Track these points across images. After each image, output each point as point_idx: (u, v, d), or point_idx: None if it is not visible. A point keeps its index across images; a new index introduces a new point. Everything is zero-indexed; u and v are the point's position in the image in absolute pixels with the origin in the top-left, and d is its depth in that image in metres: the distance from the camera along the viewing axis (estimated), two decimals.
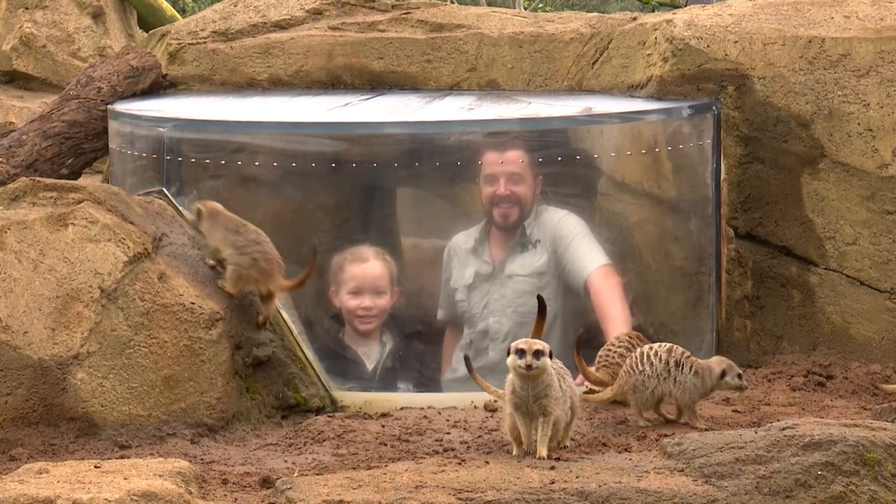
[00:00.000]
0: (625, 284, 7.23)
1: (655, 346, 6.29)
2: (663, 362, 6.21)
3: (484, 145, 7.23)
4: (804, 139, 7.40)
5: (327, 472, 5.71)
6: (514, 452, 5.71)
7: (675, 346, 6.27)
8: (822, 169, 7.39)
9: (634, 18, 8.09)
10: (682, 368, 6.20)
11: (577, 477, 5.31)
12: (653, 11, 12.14)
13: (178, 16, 13.21)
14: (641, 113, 7.43)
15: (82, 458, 6.05)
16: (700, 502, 5.18)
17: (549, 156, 7.30)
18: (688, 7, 8.37)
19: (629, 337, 6.66)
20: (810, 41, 7.44)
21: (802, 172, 7.42)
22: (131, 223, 6.70)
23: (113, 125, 7.84)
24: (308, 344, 6.99)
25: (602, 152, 7.40)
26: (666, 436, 5.78)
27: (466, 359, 6.17)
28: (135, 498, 5.04)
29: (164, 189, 7.15)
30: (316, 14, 8.33)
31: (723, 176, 7.47)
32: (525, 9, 19.70)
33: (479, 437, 6.24)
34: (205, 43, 8.25)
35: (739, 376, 6.26)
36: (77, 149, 8.01)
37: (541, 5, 22.95)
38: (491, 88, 8.01)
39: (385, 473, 5.41)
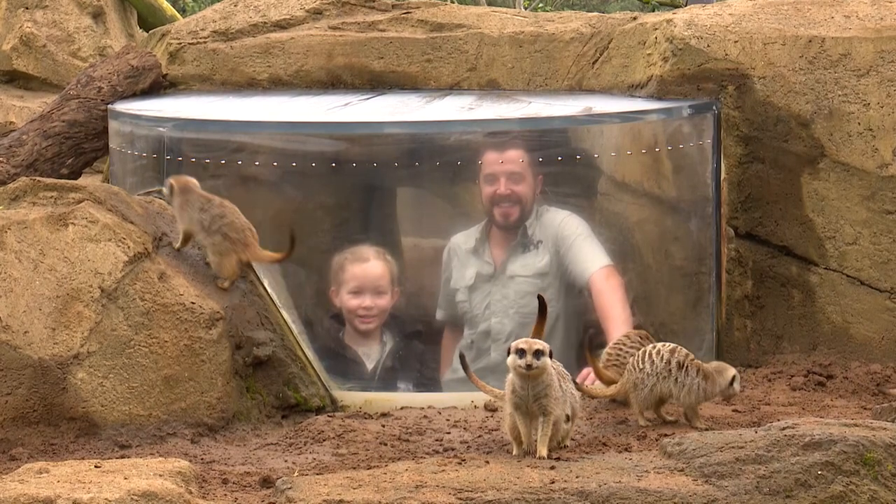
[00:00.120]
0: (625, 284, 7.23)
1: (659, 345, 6.29)
2: (664, 361, 6.21)
3: (484, 145, 7.23)
4: (804, 139, 7.40)
5: (327, 472, 5.72)
6: (514, 452, 5.72)
7: (678, 347, 6.27)
8: (823, 169, 7.39)
9: (634, 18, 8.10)
10: (687, 370, 6.20)
11: (577, 477, 5.31)
12: (653, 11, 12.13)
13: (178, 16, 13.21)
14: (641, 113, 7.44)
15: (82, 458, 6.05)
16: (700, 502, 5.18)
17: (549, 155, 7.30)
18: (688, 7, 8.37)
19: (640, 336, 6.66)
20: (810, 41, 7.44)
21: (802, 172, 7.42)
22: (131, 223, 6.70)
23: (113, 125, 7.84)
24: (308, 344, 7.00)
25: (602, 152, 7.40)
26: (666, 436, 5.78)
27: (462, 357, 6.17)
28: (135, 498, 5.04)
29: (164, 189, 7.15)
30: (316, 14, 8.34)
31: (723, 176, 7.47)
32: (525, 8, 19.71)
33: (480, 436, 6.24)
34: (205, 43, 8.25)
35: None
36: (77, 148, 8.02)
37: (541, 5, 22.95)
38: (491, 88, 8.01)
39: (385, 473, 5.41)
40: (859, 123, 7.35)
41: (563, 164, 7.29)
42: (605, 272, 7.21)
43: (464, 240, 7.35)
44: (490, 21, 8.21)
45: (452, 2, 15.52)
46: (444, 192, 7.47)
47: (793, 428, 5.44)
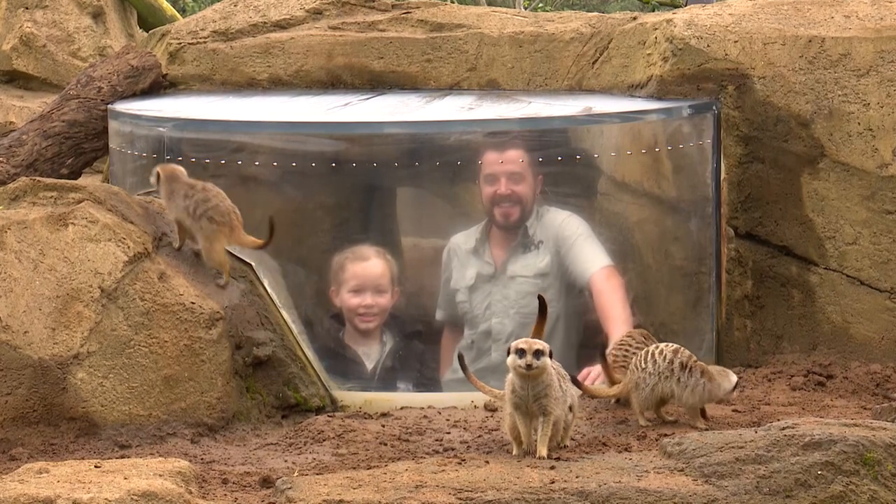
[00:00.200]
0: (625, 284, 7.23)
1: (662, 345, 6.29)
2: (667, 362, 6.21)
3: (484, 145, 7.23)
4: (804, 139, 7.40)
5: (327, 472, 5.72)
6: (514, 452, 5.72)
7: (681, 348, 6.28)
8: (822, 169, 7.39)
9: (634, 18, 8.09)
10: (691, 371, 6.20)
11: (577, 477, 5.31)
12: (653, 11, 12.13)
13: (178, 16, 13.21)
14: (641, 113, 7.44)
15: (82, 458, 6.05)
16: (700, 502, 5.18)
17: (549, 155, 7.30)
18: (688, 7, 8.37)
19: (643, 336, 6.66)
20: (810, 41, 7.44)
21: (802, 172, 7.42)
22: (131, 223, 6.70)
23: (113, 125, 7.84)
24: (308, 344, 7.00)
25: (602, 152, 7.40)
26: (666, 435, 5.79)
27: (460, 358, 6.17)
28: (135, 498, 5.04)
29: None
30: (316, 14, 8.34)
31: (723, 176, 7.47)
32: (525, 8, 19.71)
33: (479, 436, 6.24)
34: (205, 43, 8.25)
35: None
36: (77, 148, 8.02)
37: (541, 5, 22.95)
38: (491, 88, 8.01)
39: (385, 473, 5.41)
40: (859, 123, 7.35)
41: (563, 164, 7.29)
42: (606, 272, 7.21)
43: (464, 240, 7.34)
44: (490, 21, 8.21)
45: (452, 2, 15.53)
46: (444, 192, 7.47)
47: (793, 428, 5.44)
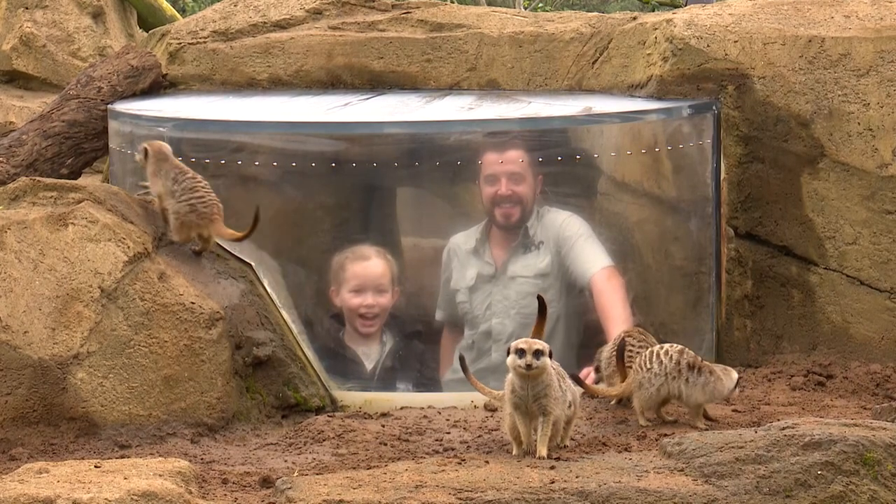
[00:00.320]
0: (626, 284, 7.23)
1: (666, 346, 6.30)
2: (674, 362, 6.22)
3: (484, 145, 7.23)
4: (804, 139, 7.40)
5: (327, 472, 5.72)
6: (514, 452, 5.72)
7: (685, 348, 6.29)
8: (822, 168, 7.39)
9: (634, 18, 8.09)
10: (700, 371, 6.21)
11: (577, 477, 5.31)
12: (653, 11, 12.13)
13: (178, 16, 13.21)
14: (641, 113, 7.44)
15: (82, 458, 6.05)
16: (700, 502, 5.18)
17: (549, 155, 7.30)
18: (688, 7, 8.37)
19: (642, 335, 6.66)
20: (810, 41, 7.44)
21: (802, 172, 7.42)
22: (131, 223, 6.70)
23: (113, 125, 7.84)
24: (308, 344, 7.00)
25: (602, 152, 7.40)
26: (666, 435, 5.79)
27: (461, 359, 6.17)
28: (135, 498, 5.04)
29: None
30: (316, 14, 8.33)
31: (723, 176, 7.47)
32: (525, 8, 19.71)
33: (479, 436, 6.24)
34: (205, 43, 8.25)
35: None
36: (77, 148, 8.01)
37: (541, 5, 22.95)
38: (491, 88, 8.01)
39: (385, 473, 5.41)
40: (859, 123, 7.35)
41: (563, 164, 7.29)
42: (607, 272, 7.21)
43: (464, 240, 7.34)
44: (490, 21, 8.21)
45: (452, 2, 15.52)
46: (444, 192, 7.47)
47: (793, 428, 5.44)
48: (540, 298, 6.30)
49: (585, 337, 6.97)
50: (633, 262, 7.39)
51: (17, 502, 5.01)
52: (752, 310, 7.50)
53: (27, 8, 12.06)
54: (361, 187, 7.31)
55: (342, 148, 7.25)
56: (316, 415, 6.71)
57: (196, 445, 6.33)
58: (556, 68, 8.02)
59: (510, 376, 5.69)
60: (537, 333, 6.17)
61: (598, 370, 6.71)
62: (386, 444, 6.20)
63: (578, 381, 6.37)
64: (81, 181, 7.28)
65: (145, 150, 6.94)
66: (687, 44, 7.48)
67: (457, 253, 7.33)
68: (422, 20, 8.20)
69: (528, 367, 5.59)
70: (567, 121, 7.35)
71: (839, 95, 7.37)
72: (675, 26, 7.53)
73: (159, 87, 8.24)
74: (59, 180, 7.09)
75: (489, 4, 19.40)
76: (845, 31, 7.45)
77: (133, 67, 8.19)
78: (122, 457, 6.06)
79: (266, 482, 5.62)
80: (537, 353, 5.61)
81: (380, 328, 7.19)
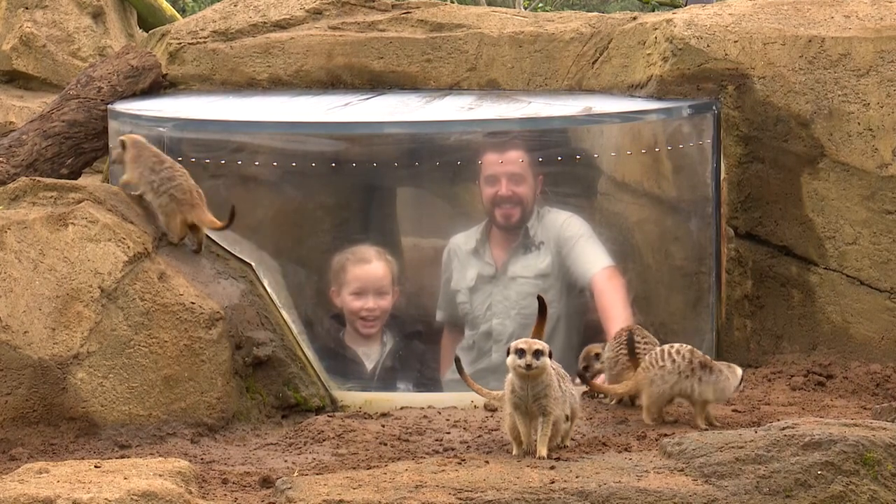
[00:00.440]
0: (626, 285, 7.23)
1: (676, 345, 6.30)
2: (686, 361, 6.23)
3: (484, 145, 7.23)
4: (804, 139, 7.40)
5: (327, 472, 5.72)
6: (514, 452, 5.72)
7: (694, 348, 6.31)
8: (822, 168, 7.39)
9: (634, 18, 8.09)
10: (711, 369, 6.23)
11: (577, 477, 5.31)
12: (653, 11, 12.13)
13: (178, 16, 13.20)
14: (641, 113, 7.43)
15: (82, 458, 6.05)
16: (700, 502, 5.18)
17: (549, 155, 7.30)
18: (688, 7, 8.37)
19: (641, 333, 6.67)
20: (810, 41, 7.44)
21: (802, 172, 7.42)
22: (131, 223, 6.70)
23: (113, 125, 7.84)
24: (308, 344, 7.00)
25: (602, 152, 7.40)
26: (666, 435, 5.79)
27: (457, 360, 6.17)
28: (135, 498, 5.04)
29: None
30: (316, 14, 8.33)
31: (723, 176, 7.47)
32: (525, 8, 19.70)
33: (479, 436, 6.24)
34: (205, 43, 8.25)
35: None
36: (77, 148, 8.01)
37: (541, 5, 22.95)
38: (491, 88, 8.01)
39: (385, 473, 5.41)
40: (859, 123, 7.35)
41: (563, 164, 7.29)
42: (608, 273, 7.21)
43: (464, 240, 7.34)
44: (490, 21, 8.20)
45: (452, 2, 15.52)
46: (444, 192, 7.47)
47: (793, 428, 5.44)
48: (540, 299, 6.30)
49: (586, 337, 6.97)
50: (634, 262, 7.39)
51: (17, 502, 5.01)
52: (752, 310, 7.50)
53: (27, 8, 12.06)
54: (361, 187, 7.31)
55: (342, 148, 7.25)
56: (316, 415, 6.71)
57: (196, 445, 6.33)
58: (556, 68, 8.02)
59: (510, 376, 5.69)
60: (537, 334, 6.17)
61: (586, 369, 6.68)
62: (386, 444, 6.20)
63: (584, 381, 6.39)
64: (81, 181, 7.28)
65: (122, 142, 7.01)
66: (687, 44, 7.48)
67: (457, 253, 7.33)
68: (422, 20, 8.20)
69: (528, 367, 5.59)
70: (567, 121, 7.35)
71: (839, 95, 7.36)
72: (675, 26, 7.53)
73: (159, 87, 8.24)
74: (59, 180, 7.09)
75: (489, 4, 19.40)
76: (845, 31, 7.45)
77: (133, 67, 8.19)
78: (122, 457, 6.06)
79: (266, 482, 5.62)
80: (537, 354, 5.61)
81: (380, 327, 7.19)
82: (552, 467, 5.44)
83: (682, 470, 5.35)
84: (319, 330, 7.16)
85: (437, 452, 6.05)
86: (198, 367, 6.53)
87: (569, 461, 5.54)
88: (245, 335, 6.73)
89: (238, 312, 6.74)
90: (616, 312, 7.10)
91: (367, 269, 7.16)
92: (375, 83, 8.12)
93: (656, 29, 7.63)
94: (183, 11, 20.30)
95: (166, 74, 8.25)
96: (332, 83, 8.14)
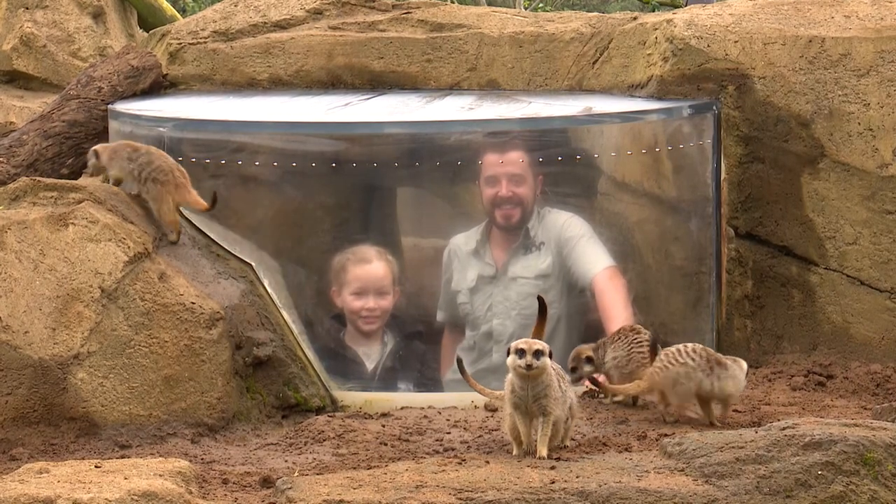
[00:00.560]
0: (626, 285, 7.23)
1: (689, 344, 6.32)
2: (703, 359, 6.24)
3: (484, 145, 7.23)
4: (804, 139, 7.40)
5: (327, 472, 5.72)
6: (514, 452, 5.72)
7: (705, 346, 6.33)
8: (823, 169, 7.39)
9: (635, 18, 8.10)
10: (724, 365, 6.25)
11: (577, 477, 5.31)
12: (653, 11, 12.13)
13: (178, 16, 13.20)
14: (641, 113, 7.44)
15: (83, 458, 6.05)
16: (700, 502, 5.18)
17: (550, 156, 7.30)
18: (688, 7, 8.37)
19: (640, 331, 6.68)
20: (810, 41, 7.44)
21: (803, 172, 7.42)
22: (132, 223, 6.71)
23: (113, 125, 7.84)
24: (308, 344, 7.00)
25: (602, 152, 7.40)
26: (666, 436, 5.79)
27: (459, 361, 6.17)
28: (135, 498, 5.04)
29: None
30: (316, 14, 8.33)
31: (723, 176, 7.47)
32: (525, 8, 19.70)
33: (480, 436, 6.24)
34: (205, 43, 8.25)
35: None
36: (77, 148, 8.00)
37: (541, 5, 22.95)
38: (491, 88, 8.01)
39: (385, 473, 5.41)
40: (859, 123, 7.35)
41: (563, 165, 7.29)
42: (609, 273, 7.21)
43: (464, 241, 7.34)
44: (490, 21, 8.20)
45: (452, 2, 15.52)
46: (444, 192, 7.47)
47: (793, 428, 5.44)
48: (540, 299, 6.30)
49: (586, 337, 6.96)
50: (634, 263, 7.39)
51: (18, 502, 5.01)
52: (752, 310, 7.50)
53: (27, 8, 12.05)
54: (362, 187, 7.31)
55: (342, 148, 7.25)
56: (316, 415, 6.71)
57: (196, 445, 6.33)
58: (557, 68, 8.02)
59: (510, 376, 5.69)
60: (538, 334, 6.18)
61: (574, 370, 6.67)
62: (386, 444, 6.20)
63: (595, 383, 6.38)
64: (82, 181, 7.28)
65: (94, 151, 7.07)
66: (687, 44, 7.48)
67: (457, 254, 7.33)
68: (422, 20, 8.20)
69: (529, 367, 5.59)
70: (567, 121, 7.35)
71: (839, 95, 7.37)
72: (675, 26, 7.53)
73: (159, 87, 8.24)
74: (60, 180, 7.09)
75: (489, 4, 19.40)
76: (845, 31, 7.45)
77: (133, 67, 8.19)
78: (122, 457, 6.07)
79: (266, 482, 5.62)
80: (537, 354, 5.61)
81: (381, 327, 7.19)
82: (552, 467, 5.44)
83: (682, 470, 5.35)
84: (320, 330, 7.16)
85: (437, 452, 6.05)
86: (198, 368, 6.53)
87: (569, 461, 5.55)
88: (245, 335, 6.73)
89: (238, 312, 6.74)
90: (617, 312, 7.10)
91: (367, 269, 7.16)
92: (376, 83, 8.12)
93: (656, 29, 7.64)
94: (183, 11, 20.30)
95: (167, 74, 8.25)
96: (332, 83, 8.14)
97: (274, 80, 8.16)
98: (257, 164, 7.26)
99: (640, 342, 6.58)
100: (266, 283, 6.98)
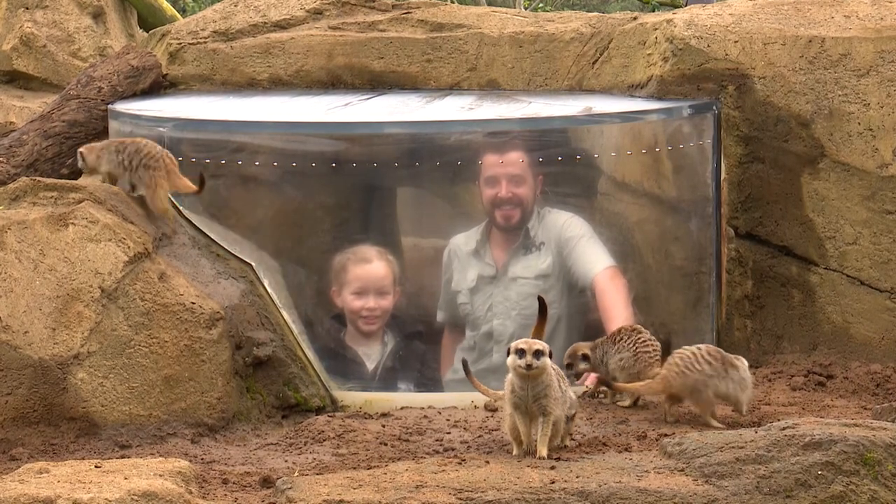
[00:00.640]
0: (627, 284, 7.23)
1: (702, 347, 6.32)
2: (718, 362, 6.25)
3: (484, 145, 7.23)
4: (804, 139, 7.40)
5: (327, 472, 5.72)
6: (514, 452, 5.72)
7: (717, 348, 6.34)
8: (823, 169, 7.39)
9: (635, 18, 8.09)
10: (737, 367, 6.26)
11: (577, 477, 5.31)
12: (653, 11, 12.13)
13: (178, 16, 13.19)
14: (641, 113, 7.44)
15: (83, 458, 6.05)
16: (700, 502, 5.18)
17: (550, 156, 7.30)
18: (688, 7, 8.37)
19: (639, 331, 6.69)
20: (810, 41, 7.44)
21: (803, 172, 7.42)
22: (131, 223, 6.70)
23: (113, 125, 7.84)
24: (308, 344, 7.00)
25: (602, 152, 7.40)
26: (666, 436, 5.79)
27: (464, 362, 6.17)
28: (135, 498, 5.04)
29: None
30: (316, 14, 8.33)
31: (723, 176, 7.47)
32: (525, 8, 19.70)
33: (480, 436, 6.24)
34: (205, 43, 8.25)
35: None
36: (77, 149, 8.01)
37: (541, 5, 22.95)
38: (491, 88, 8.01)
39: (385, 473, 5.41)
40: (859, 123, 7.35)
41: (563, 165, 7.29)
42: (610, 273, 7.21)
43: (464, 241, 7.34)
44: (490, 21, 8.20)
45: (452, 2, 15.52)
46: (444, 192, 7.47)
47: (793, 428, 5.44)
48: (540, 299, 6.30)
49: (586, 337, 6.96)
50: (634, 263, 7.39)
51: (18, 502, 5.01)
52: (752, 310, 7.50)
53: (27, 8, 12.05)
54: (362, 187, 7.31)
55: (342, 148, 7.25)
56: (316, 415, 6.71)
57: (196, 445, 6.33)
58: (557, 68, 8.02)
59: (510, 376, 5.69)
60: (538, 334, 6.18)
61: (569, 367, 6.67)
62: (386, 444, 6.20)
63: (606, 384, 6.38)
64: (82, 181, 7.28)
65: (81, 153, 7.10)
66: (687, 44, 7.48)
67: (457, 254, 7.33)
68: (422, 20, 8.20)
69: (529, 367, 5.59)
70: (567, 121, 7.35)
71: (839, 95, 7.37)
72: (675, 26, 7.53)
73: (159, 87, 8.24)
74: (60, 180, 7.09)
75: (489, 4, 19.40)
76: (845, 31, 7.45)
77: (133, 67, 8.19)
78: (122, 457, 6.07)
79: (266, 482, 5.62)
80: (537, 354, 5.61)
81: (381, 327, 7.19)
82: (552, 467, 5.44)
83: (682, 470, 5.35)
84: (320, 330, 7.16)
85: (437, 452, 6.05)
86: (198, 368, 6.53)
87: (569, 461, 5.55)
88: (245, 335, 6.73)
89: (238, 312, 6.74)
90: (618, 312, 7.10)
91: (368, 269, 7.16)
92: (375, 83, 8.12)
93: (656, 29, 7.64)
94: (183, 11, 20.30)
95: (166, 74, 8.25)
96: (332, 83, 8.14)
97: (274, 80, 8.16)
98: (257, 164, 7.26)
99: (645, 342, 6.58)
100: (266, 283, 6.98)
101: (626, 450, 5.87)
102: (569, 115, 7.37)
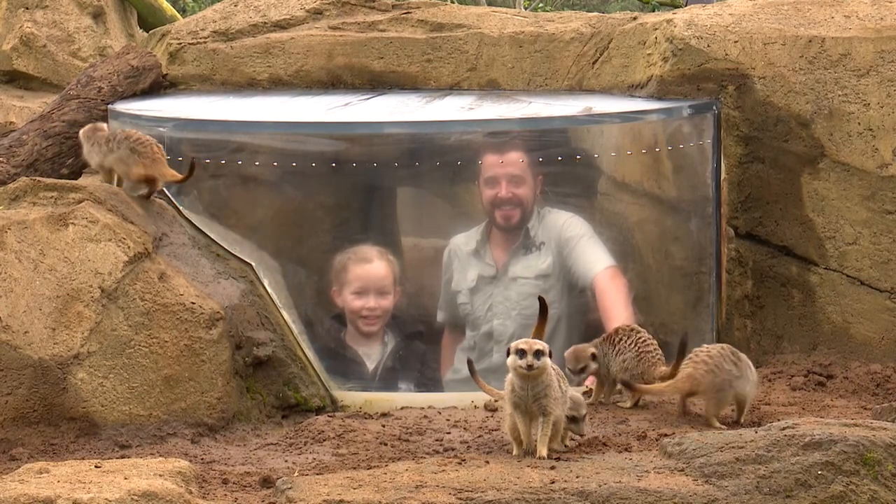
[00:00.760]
0: (627, 284, 7.23)
1: (725, 346, 6.33)
2: (741, 362, 6.28)
3: (484, 145, 7.23)
4: (804, 139, 7.40)
5: (327, 472, 5.72)
6: (514, 452, 5.72)
7: (731, 346, 6.36)
8: (823, 168, 7.39)
9: (635, 18, 8.10)
10: (750, 366, 6.27)
11: (577, 477, 5.31)
12: (653, 11, 12.13)
13: (178, 16, 13.19)
14: (641, 113, 7.44)
15: (83, 458, 6.05)
16: (700, 502, 5.18)
17: (549, 155, 7.30)
18: (688, 7, 8.37)
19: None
20: (810, 41, 7.44)
21: (802, 172, 7.42)
22: (132, 223, 6.70)
23: (113, 125, 7.83)
24: (308, 344, 7.00)
25: (602, 152, 7.40)
26: (666, 435, 5.79)
27: (469, 363, 6.17)
28: (135, 498, 5.04)
29: (164, 189, 7.16)
30: (316, 14, 8.33)
31: (723, 175, 7.47)
32: (525, 8, 19.70)
33: (480, 436, 6.24)
34: (205, 43, 8.25)
35: None
36: (77, 149, 8.01)
37: (541, 5, 22.95)
38: (491, 88, 8.01)
39: (385, 473, 5.41)
40: (859, 123, 7.35)
41: (563, 165, 7.30)
42: (610, 272, 7.21)
43: (464, 241, 7.34)
44: (490, 21, 8.21)
45: (452, 2, 15.52)
46: (444, 192, 7.47)
47: (793, 428, 5.44)
48: (541, 299, 6.30)
49: (587, 337, 6.96)
50: (634, 262, 7.40)
51: (18, 502, 5.01)
52: (752, 310, 7.50)
53: (27, 8, 12.05)
54: (362, 187, 7.32)
55: (342, 148, 7.25)
56: (316, 415, 6.71)
57: (196, 445, 6.33)
58: (557, 68, 8.02)
59: (510, 376, 5.69)
60: (538, 334, 6.18)
61: (583, 370, 6.66)
62: (386, 444, 6.20)
63: (627, 385, 6.38)
64: (82, 181, 7.29)
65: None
66: (687, 44, 7.48)
67: (457, 254, 7.33)
68: (422, 20, 8.20)
69: (529, 367, 5.59)
70: (567, 121, 7.35)
71: (839, 95, 7.37)
72: (675, 26, 7.53)
73: (159, 87, 8.24)
74: (60, 180, 7.10)
75: (489, 4, 19.40)
76: (845, 31, 7.45)
77: (133, 67, 8.19)
78: (122, 457, 6.07)
79: (266, 482, 5.62)
80: (538, 354, 5.61)
81: (381, 327, 7.19)
82: (552, 467, 5.44)
83: (682, 470, 5.35)
84: (320, 330, 7.17)
85: (437, 452, 6.05)
86: (198, 367, 6.53)
87: (569, 461, 5.55)
88: (245, 335, 6.73)
89: (238, 312, 6.74)
90: (618, 312, 7.10)
91: (368, 269, 7.16)
92: (375, 83, 8.12)
93: (656, 29, 7.64)
94: (183, 11, 20.30)
95: (166, 74, 8.25)
96: (332, 83, 8.14)
97: (274, 80, 8.16)
98: (257, 164, 7.26)
99: (646, 342, 6.58)
100: (266, 283, 6.98)
101: (626, 450, 5.87)
102: (569, 115, 7.37)
